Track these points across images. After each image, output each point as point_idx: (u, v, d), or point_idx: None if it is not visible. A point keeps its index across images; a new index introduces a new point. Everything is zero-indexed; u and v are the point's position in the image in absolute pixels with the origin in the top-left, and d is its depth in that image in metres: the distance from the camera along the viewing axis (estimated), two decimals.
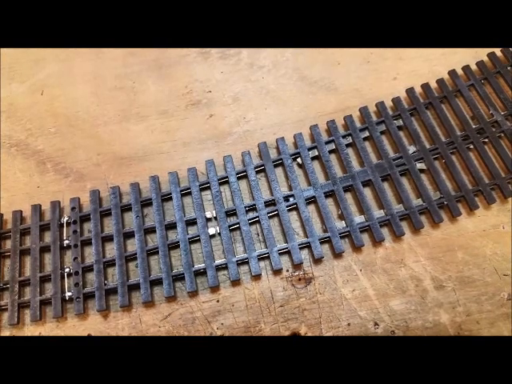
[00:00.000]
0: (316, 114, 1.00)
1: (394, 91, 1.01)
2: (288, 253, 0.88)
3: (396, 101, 0.99)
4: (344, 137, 0.96)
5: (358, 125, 0.97)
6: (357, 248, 0.88)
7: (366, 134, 0.96)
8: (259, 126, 1.00)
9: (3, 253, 0.90)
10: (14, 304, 0.85)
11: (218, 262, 0.86)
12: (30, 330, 0.86)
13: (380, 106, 0.98)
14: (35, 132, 1.02)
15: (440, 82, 1.01)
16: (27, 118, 1.04)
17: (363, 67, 1.05)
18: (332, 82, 1.04)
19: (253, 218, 0.90)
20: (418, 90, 1.00)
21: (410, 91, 1.00)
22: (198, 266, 0.87)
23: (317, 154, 0.95)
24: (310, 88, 1.04)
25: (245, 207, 0.90)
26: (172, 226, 0.91)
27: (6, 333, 0.85)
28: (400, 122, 0.97)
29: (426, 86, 1.00)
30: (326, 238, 0.88)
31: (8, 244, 0.91)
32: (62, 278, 0.87)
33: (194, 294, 0.86)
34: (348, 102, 1.01)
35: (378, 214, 0.89)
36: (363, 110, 0.98)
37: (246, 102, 1.03)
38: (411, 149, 0.94)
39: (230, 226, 0.89)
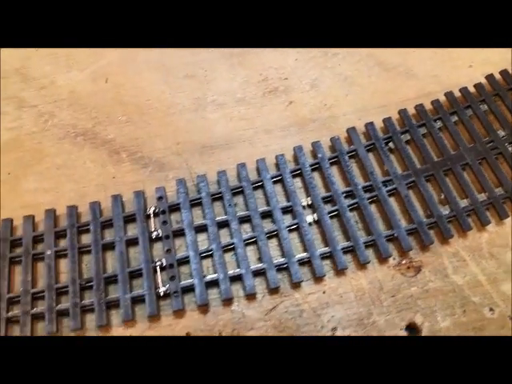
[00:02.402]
0: (398, 99, 0.95)
1: (472, 78, 0.97)
2: (391, 240, 0.81)
3: (479, 86, 0.95)
4: (435, 120, 0.91)
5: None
6: (462, 233, 0.82)
7: (455, 118, 0.91)
8: (342, 111, 0.94)
9: (81, 247, 0.80)
10: (101, 303, 0.75)
11: (321, 250, 0.79)
12: (119, 331, 0.76)
13: (464, 91, 0.94)
14: (103, 120, 0.93)
15: None
16: (92, 106, 0.95)
17: (438, 55, 1.02)
18: (410, 68, 0.99)
19: (352, 205, 0.83)
20: (497, 76, 0.96)
21: (490, 77, 0.96)
22: (300, 255, 0.79)
23: (408, 138, 0.89)
24: (387, 74, 0.99)
25: (342, 193, 0.83)
26: (266, 215, 0.83)
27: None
28: (485, 107, 0.92)
29: (504, 73, 0.97)
30: (432, 223, 0.81)
31: (86, 238, 0.81)
32: (154, 272, 0.77)
33: (297, 285, 0.78)
34: (429, 88, 0.97)
35: (480, 197, 0.84)
36: (449, 95, 0.94)
37: (324, 89, 0.97)
38: (500, 133, 0.89)
39: (329, 213, 0.82)
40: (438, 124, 0.91)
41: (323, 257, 0.79)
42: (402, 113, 0.91)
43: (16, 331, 0.75)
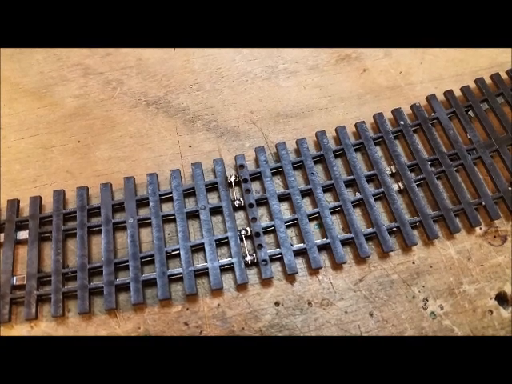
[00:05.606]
0: (472, 69, 0.90)
1: None
2: (476, 209, 0.76)
3: None
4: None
5: None
6: None
7: None
8: (417, 79, 0.89)
9: (164, 216, 0.74)
10: (190, 272, 0.70)
11: (410, 219, 0.74)
12: (207, 301, 0.71)
13: None
14: (175, 89, 0.87)
15: None
16: (161, 75, 0.89)
17: None
18: None
19: (438, 173, 0.78)
20: None
21: None
22: (389, 224, 0.74)
23: (487, 106, 0.84)
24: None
25: (427, 161, 0.78)
26: (348, 184, 0.78)
27: (179, 307, 0.70)
28: None
29: None
30: None
31: (167, 207, 0.76)
32: (240, 240, 0.73)
33: (385, 255, 0.74)
34: (500, 59, 0.92)
35: None
36: None
37: (398, 57, 0.91)
38: None
39: (416, 181, 0.77)
40: None
41: (412, 226, 0.74)
42: (479, 82, 0.85)
43: (98, 302, 0.70)
